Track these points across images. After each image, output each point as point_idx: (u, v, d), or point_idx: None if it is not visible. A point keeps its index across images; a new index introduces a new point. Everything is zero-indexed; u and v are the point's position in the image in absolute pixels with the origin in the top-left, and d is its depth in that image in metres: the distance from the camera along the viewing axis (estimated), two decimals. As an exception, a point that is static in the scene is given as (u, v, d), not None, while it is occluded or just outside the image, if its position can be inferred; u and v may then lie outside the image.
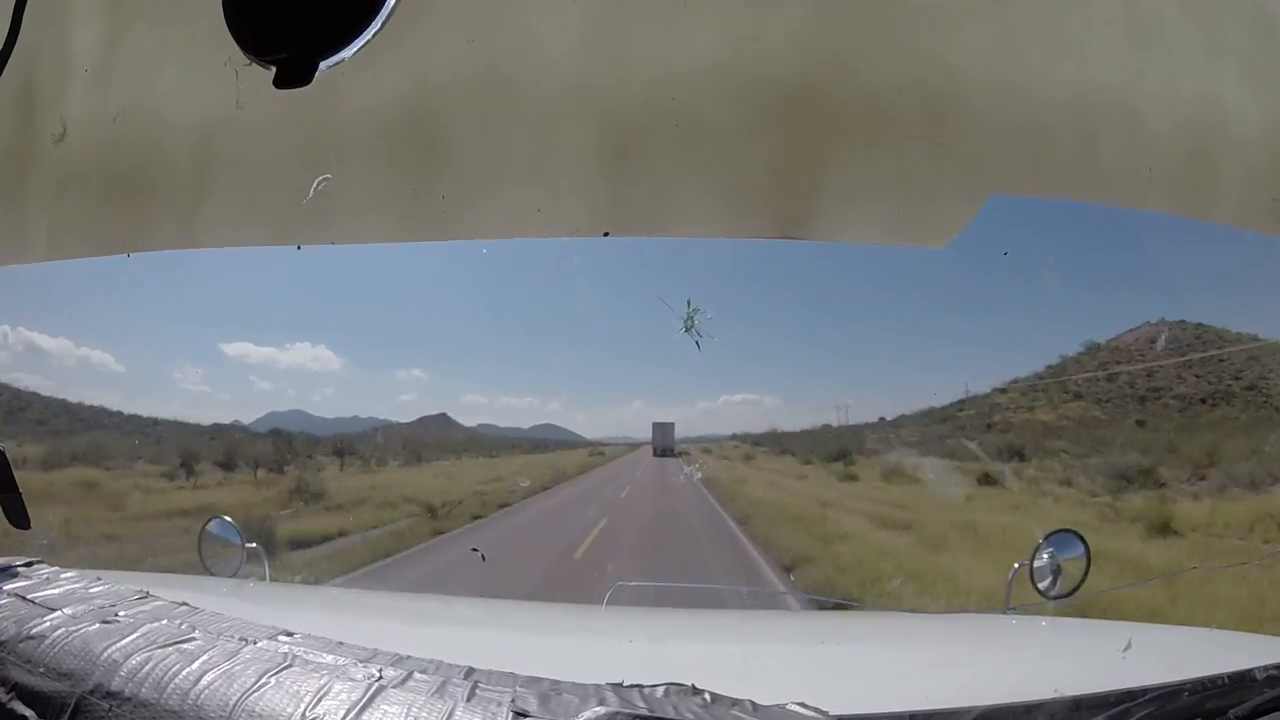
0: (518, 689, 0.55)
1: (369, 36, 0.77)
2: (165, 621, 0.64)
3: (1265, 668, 0.67)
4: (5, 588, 0.71)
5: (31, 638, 0.60)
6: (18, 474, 0.91)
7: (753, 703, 0.56)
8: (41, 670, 0.56)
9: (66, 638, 0.59)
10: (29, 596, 0.69)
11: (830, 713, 0.55)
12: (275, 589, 1.91)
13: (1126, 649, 1.03)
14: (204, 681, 0.53)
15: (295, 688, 0.53)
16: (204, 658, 0.56)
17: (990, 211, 1.16)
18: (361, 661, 0.58)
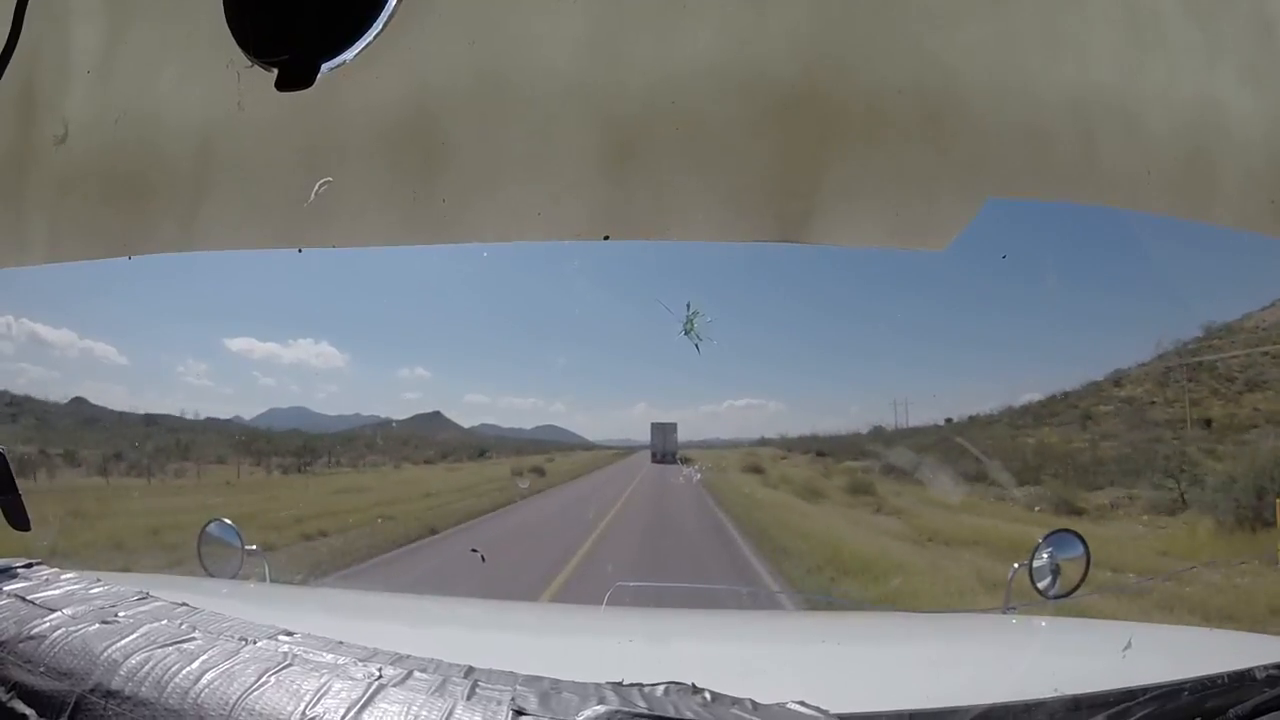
0: (517, 688, 0.55)
1: (370, 38, 0.78)
2: (165, 622, 0.64)
3: (1265, 667, 0.67)
4: (5, 588, 0.71)
5: (31, 638, 0.60)
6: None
7: (753, 701, 0.56)
8: (42, 670, 0.56)
9: (66, 638, 0.59)
10: (29, 597, 0.69)
11: (830, 712, 0.55)
12: (275, 590, 1.91)
13: (1126, 648, 1.04)
14: (204, 680, 0.53)
15: (295, 686, 0.53)
16: (204, 657, 0.56)
17: (990, 211, 1.16)
18: (361, 661, 0.58)
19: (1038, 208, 1.29)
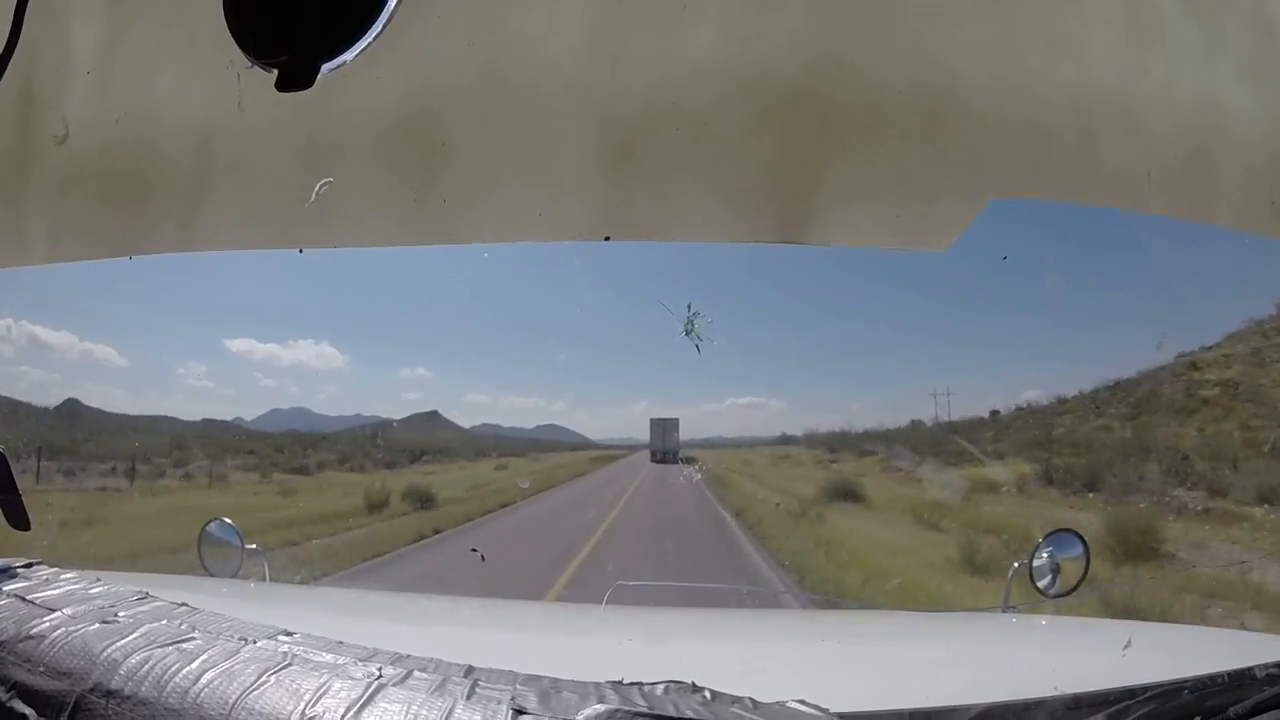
0: (517, 687, 0.55)
1: (371, 39, 0.78)
2: (165, 621, 0.64)
3: (1265, 666, 0.67)
4: (5, 588, 0.71)
5: (31, 638, 0.60)
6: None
7: (753, 700, 0.56)
8: (41, 669, 0.56)
9: (66, 637, 0.59)
10: (29, 597, 0.69)
11: (830, 710, 0.55)
12: (275, 589, 1.92)
13: (1126, 647, 1.04)
14: (204, 680, 0.53)
15: (295, 686, 0.53)
16: (204, 657, 0.56)
17: (992, 212, 1.16)
18: (361, 660, 0.58)
19: (1040, 207, 1.29)
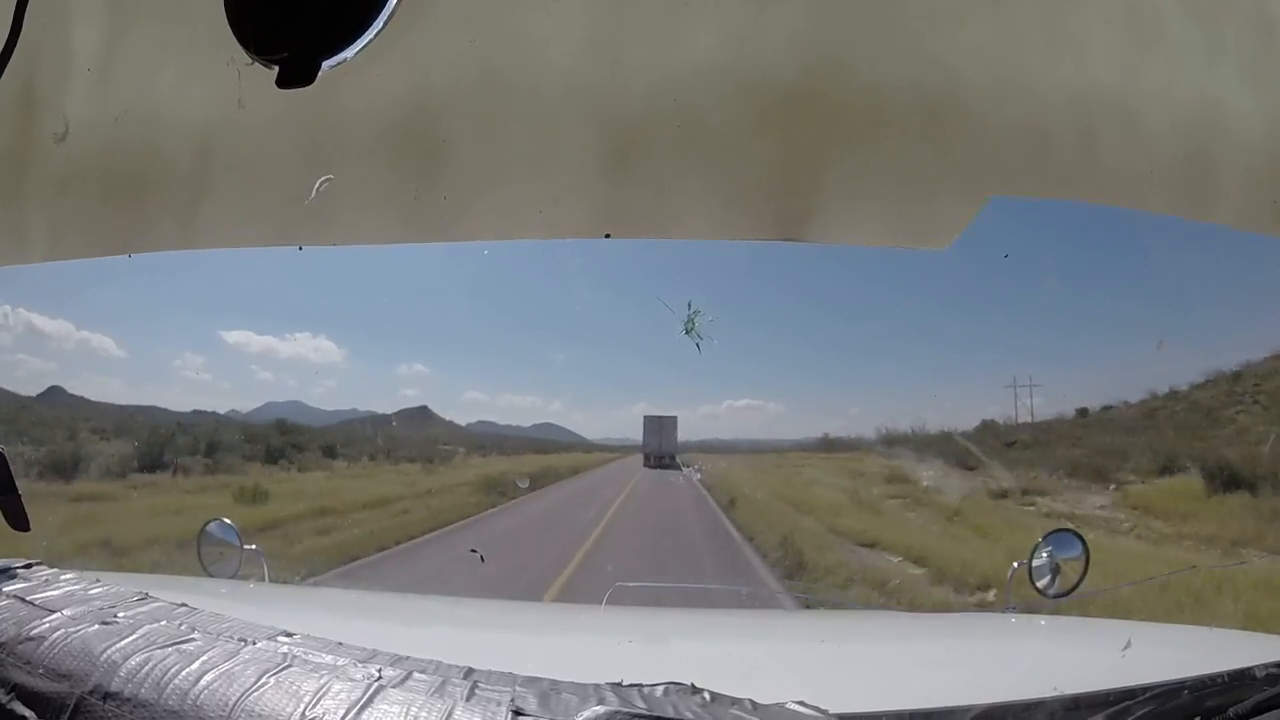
0: (517, 688, 0.55)
1: (371, 36, 0.78)
2: (164, 622, 0.64)
3: (1265, 665, 0.67)
4: (5, 589, 0.71)
5: (31, 639, 0.60)
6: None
7: (752, 701, 0.56)
8: (41, 671, 0.56)
9: (66, 639, 0.59)
10: (28, 598, 0.69)
11: (830, 711, 0.55)
12: (274, 590, 1.92)
13: (1126, 647, 1.04)
14: (203, 682, 0.53)
15: (295, 687, 0.53)
16: (203, 658, 0.56)
17: (994, 211, 1.16)
18: (361, 661, 0.58)
19: (1042, 206, 1.29)
